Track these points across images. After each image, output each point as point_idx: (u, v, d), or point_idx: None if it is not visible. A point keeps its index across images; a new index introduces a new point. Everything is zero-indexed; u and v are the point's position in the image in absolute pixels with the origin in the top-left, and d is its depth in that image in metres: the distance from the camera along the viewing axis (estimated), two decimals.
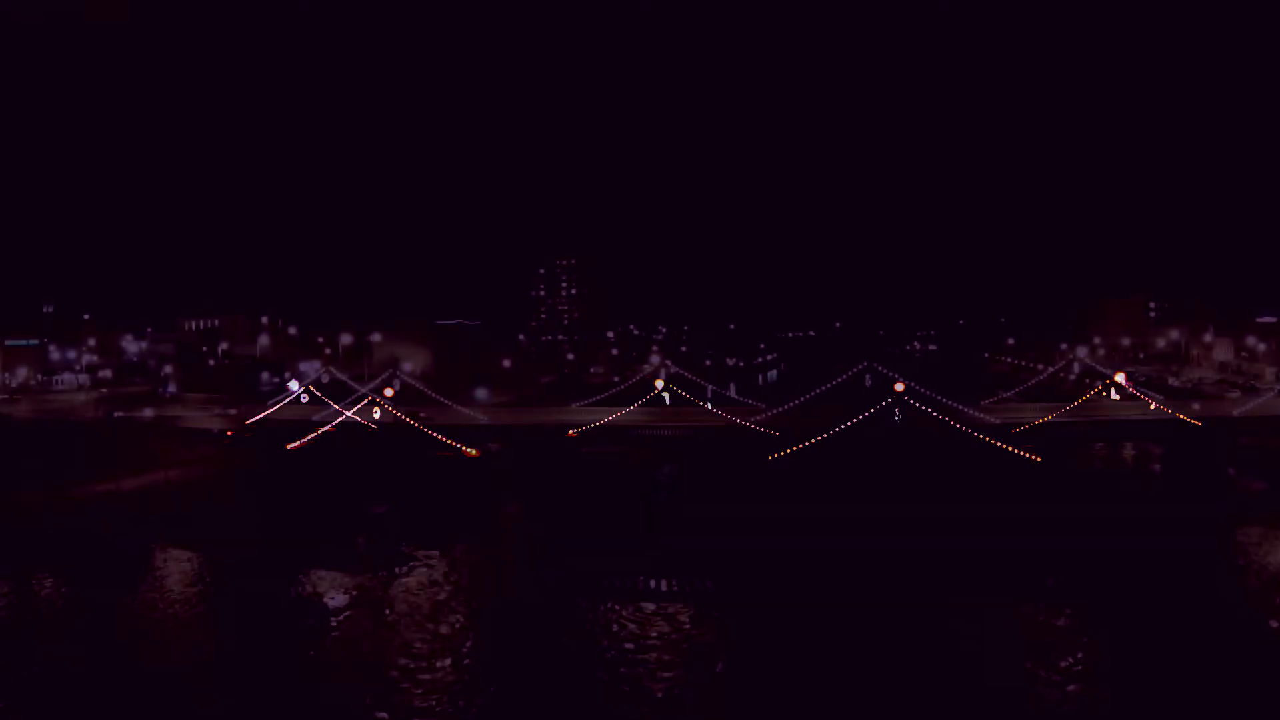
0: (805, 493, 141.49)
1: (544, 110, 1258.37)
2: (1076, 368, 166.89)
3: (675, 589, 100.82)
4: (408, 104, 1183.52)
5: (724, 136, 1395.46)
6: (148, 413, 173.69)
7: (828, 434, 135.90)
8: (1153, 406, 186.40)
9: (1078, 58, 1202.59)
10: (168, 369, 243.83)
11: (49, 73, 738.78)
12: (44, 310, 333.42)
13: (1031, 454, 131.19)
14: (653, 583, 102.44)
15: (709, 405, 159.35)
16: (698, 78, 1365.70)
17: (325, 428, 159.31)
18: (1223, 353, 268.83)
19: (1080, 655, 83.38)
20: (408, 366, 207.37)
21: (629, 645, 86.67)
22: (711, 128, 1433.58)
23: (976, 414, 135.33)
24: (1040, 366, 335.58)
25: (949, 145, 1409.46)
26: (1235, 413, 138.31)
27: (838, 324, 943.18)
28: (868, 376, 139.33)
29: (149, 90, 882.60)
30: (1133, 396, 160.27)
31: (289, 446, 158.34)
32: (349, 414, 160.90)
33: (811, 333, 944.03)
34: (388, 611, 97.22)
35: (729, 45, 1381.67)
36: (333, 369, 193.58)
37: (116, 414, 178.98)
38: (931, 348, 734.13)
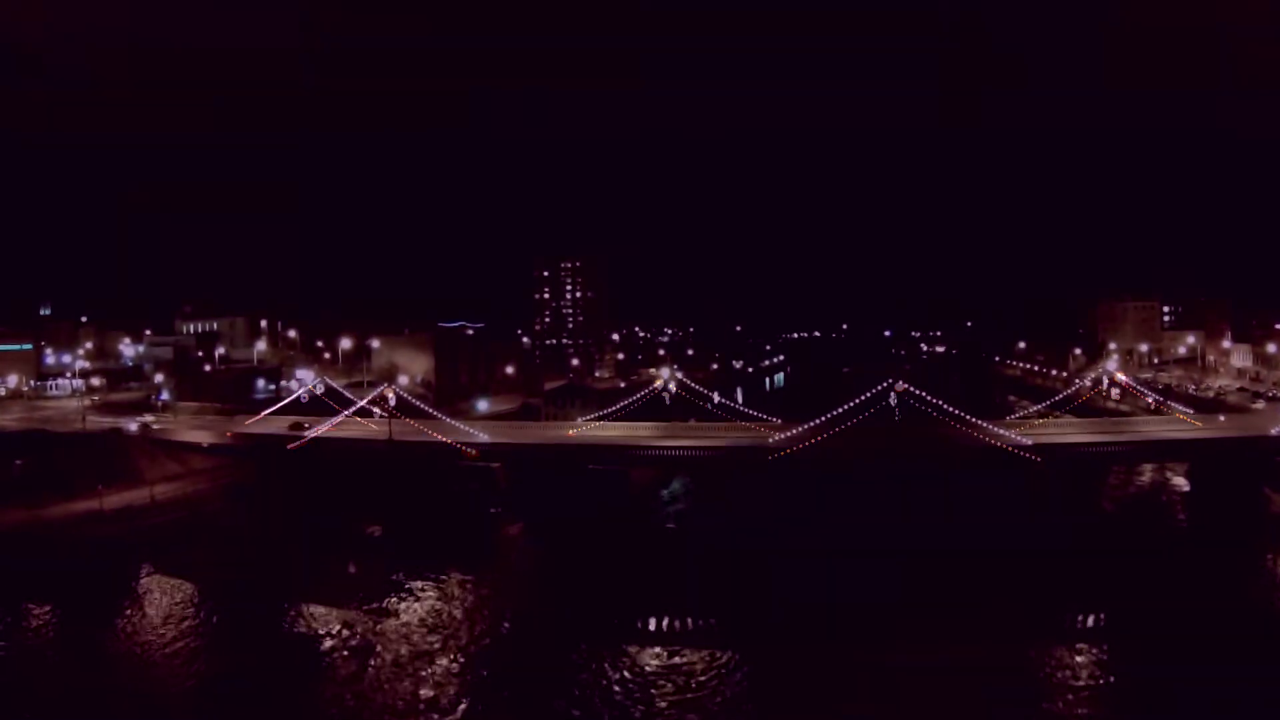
0: (813, 506, 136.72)
1: (547, 107, 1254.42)
2: (1105, 380, 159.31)
3: (684, 629, 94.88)
4: (412, 103, 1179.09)
5: (726, 136, 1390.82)
6: (132, 427, 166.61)
7: (828, 433, 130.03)
8: (1152, 406, 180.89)
9: (1080, 53, 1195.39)
10: (159, 377, 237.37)
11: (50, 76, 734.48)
12: (40, 312, 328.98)
13: (1034, 455, 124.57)
14: (660, 622, 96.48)
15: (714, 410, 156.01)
16: (699, 77, 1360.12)
17: (318, 438, 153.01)
18: (1240, 359, 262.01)
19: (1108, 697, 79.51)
20: (403, 380, 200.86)
21: (635, 697, 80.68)
22: (714, 126, 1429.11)
23: (1004, 432, 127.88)
24: (1054, 371, 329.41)
25: (954, 143, 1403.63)
26: (1274, 431, 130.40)
27: (844, 325, 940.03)
28: (893, 395, 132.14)
29: (150, 90, 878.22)
30: (1158, 410, 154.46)
31: (290, 447, 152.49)
32: (347, 415, 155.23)
33: (816, 333, 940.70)
34: (373, 661, 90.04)
35: (732, 49, 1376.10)
36: (327, 378, 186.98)
37: (104, 424, 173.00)
38: (939, 349, 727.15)
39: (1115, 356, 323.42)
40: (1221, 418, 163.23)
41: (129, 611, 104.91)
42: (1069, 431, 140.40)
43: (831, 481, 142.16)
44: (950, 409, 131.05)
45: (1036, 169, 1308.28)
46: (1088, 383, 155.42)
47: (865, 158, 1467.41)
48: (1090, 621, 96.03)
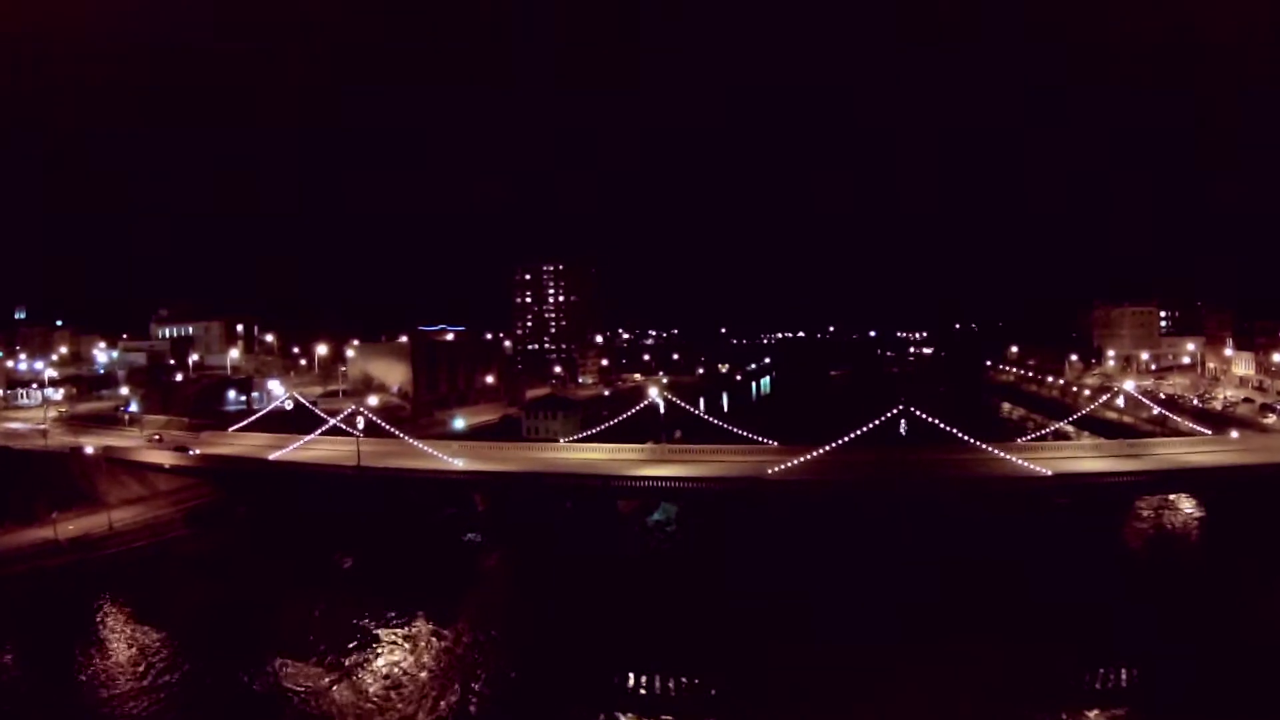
0: (815, 543, 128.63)
1: (530, 108, 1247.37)
2: (1121, 399, 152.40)
3: (676, 688, 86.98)
4: (403, 102, 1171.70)
5: (707, 132, 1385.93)
6: (88, 449, 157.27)
7: (831, 465, 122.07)
8: (1155, 410, 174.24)
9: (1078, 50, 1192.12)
10: (123, 390, 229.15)
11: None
12: (15, 316, 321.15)
13: (1052, 487, 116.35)
14: (651, 680, 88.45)
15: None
16: (686, 74, 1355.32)
17: (281, 461, 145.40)
18: (1243, 367, 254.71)
19: None
20: (373, 401, 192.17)
21: None
22: (695, 123, 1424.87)
23: (1022, 461, 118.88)
24: (1049, 378, 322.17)
25: (942, 138, 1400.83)
26: None
27: (831, 327, 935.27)
28: (903, 422, 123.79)
29: (131, 87, 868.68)
30: (1165, 423, 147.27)
31: (270, 458, 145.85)
32: (313, 437, 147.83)
33: (801, 334, 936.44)
34: None
35: (718, 44, 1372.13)
36: (297, 393, 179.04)
37: (68, 442, 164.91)
38: (926, 350, 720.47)
39: (1112, 363, 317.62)
40: (1234, 434, 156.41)
41: (79, 654, 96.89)
42: (1085, 456, 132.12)
43: (835, 517, 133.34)
44: (963, 435, 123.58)
45: (1028, 168, 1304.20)
46: (1102, 398, 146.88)
47: (852, 156, 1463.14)
48: (1117, 678, 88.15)
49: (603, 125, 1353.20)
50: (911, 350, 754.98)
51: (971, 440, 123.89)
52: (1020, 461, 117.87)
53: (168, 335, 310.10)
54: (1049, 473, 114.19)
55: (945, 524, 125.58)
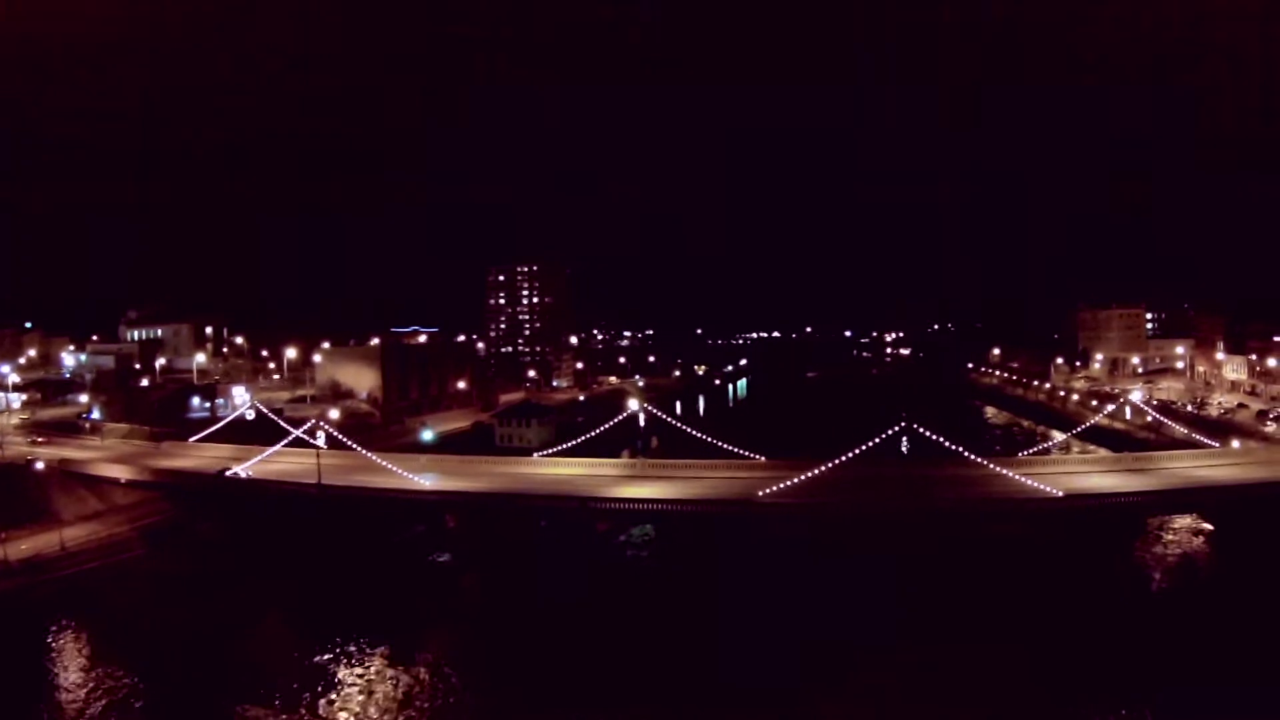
0: (812, 570, 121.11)
1: (509, 106, 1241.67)
2: (1129, 411, 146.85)
3: None
4: (377, 99, 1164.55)
5: (684, 130, 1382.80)
6: (39, 464, 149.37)
7: (827, 466, 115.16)
8: (1149, 417, 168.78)
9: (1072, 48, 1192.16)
10: (83, 397, 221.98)
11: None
12: None
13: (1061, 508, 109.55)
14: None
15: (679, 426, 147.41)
16: (661, 71, 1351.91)
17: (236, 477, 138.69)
18: (1234, 371, 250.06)
19: None
20: (334, 414, 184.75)
21: None
22: (671, 121, 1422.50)
23: (1032, 482, 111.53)
24: (1035, 382, 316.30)
25: (930, 134, 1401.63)
26: None
27: (808, 328, 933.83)
28: (905, 440, 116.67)
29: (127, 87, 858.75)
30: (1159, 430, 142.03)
31: (227, 473, 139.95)
32: (273, 452, 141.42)
33: (776, 334, 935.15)
34: None
35: (698, 44, 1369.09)
36: (259, 403, 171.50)
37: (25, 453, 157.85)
38: (904, 351, 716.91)
39: (1099, 365, 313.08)
40: (1235, 443, 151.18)
41: (26, 690, 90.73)
42: (1092, 470, 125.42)
43: (830, 540, 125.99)
44: (966, 452, 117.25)
45: (1014, 168, 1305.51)
46: (1109, 408, 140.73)
47: (831, 156, 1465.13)
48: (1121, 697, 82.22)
49: (584, 124, 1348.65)
50: (889, 351, 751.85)
51: (974, 457, 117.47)
52: (1029, 481, 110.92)
53: (136, 338, 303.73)
54: (1060, 493, 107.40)
55: (950, 542, 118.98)
